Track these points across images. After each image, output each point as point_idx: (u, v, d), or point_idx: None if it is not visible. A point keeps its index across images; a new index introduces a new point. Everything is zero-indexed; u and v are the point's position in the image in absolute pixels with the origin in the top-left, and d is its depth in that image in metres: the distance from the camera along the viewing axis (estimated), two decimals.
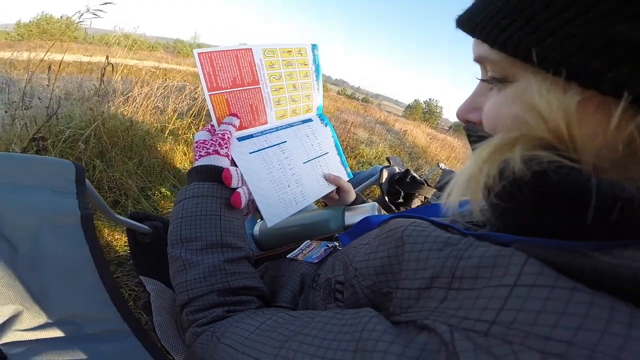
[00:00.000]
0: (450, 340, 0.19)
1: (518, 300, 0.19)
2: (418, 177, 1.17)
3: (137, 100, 1.96)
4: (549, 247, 0.20)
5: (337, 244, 0.55)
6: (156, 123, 1.99)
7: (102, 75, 1.66)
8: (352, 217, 0.60)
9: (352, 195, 0.68)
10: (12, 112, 1.39)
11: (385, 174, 1.15)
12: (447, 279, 0.23)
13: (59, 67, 1.55)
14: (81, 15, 1.42)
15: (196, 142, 0.52)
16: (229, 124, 0.54)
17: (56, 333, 0.34)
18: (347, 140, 4.03)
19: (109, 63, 1.67)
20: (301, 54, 0.70)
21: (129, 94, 2.05)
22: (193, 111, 2.24)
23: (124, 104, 1.97)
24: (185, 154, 1.95)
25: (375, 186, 1.32)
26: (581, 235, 0.20)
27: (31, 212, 0.37)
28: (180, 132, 2.10)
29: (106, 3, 1.42)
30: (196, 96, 2.53)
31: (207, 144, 0.51)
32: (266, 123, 0.64)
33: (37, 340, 0.33)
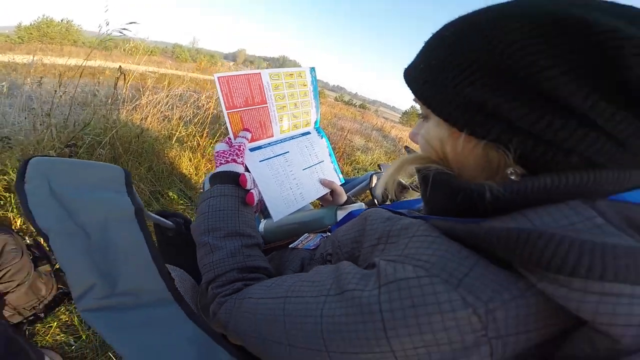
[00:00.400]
0: (378, 263, 0.32)
1: (411, 243, 0.32)
2: (404, 182, 1.29)
3: (147, 109, 2.08)
4: (445, 220, 0.33)
5: (329, 234, 0.68)
6: (164, 130, 2.12)
7: (116, 84, 1.79)
8: (343, 214, 0.73)
9: (343, 197, 0.81)
10: (32, 118, 1.50)
11: (374, 180, 1.28)
12: (386, 238, 0.36)
13: (81, 75, 1.67)
14: (103, 30, 1.54)
15: (216, 152, 0.64)
16: (243, 137, 0.67)
17: (120, 301, 0.44)
18: (343, 147, 4.14)
19: (121, 73, 1.79)
20: (301, 77, 0.82)
21: (137, 102, 2.17)
22: (198, 119, 2.37)
23: (132, 112, 2.09)
24: (190, 160, 2.07)
25: (368, 191, 1.44)
26: (477, 214, 0.32)
27: (98, 207, 0.49)
28: (185, 139, 2.22)
29: (131, 23, 1.55)
30: (200, 105, 2.66)
31: (226, 154, 0.63)
32: (272, 136, 0.76)
33: (107, 307, 0.43)
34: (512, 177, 0.30)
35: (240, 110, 0.69)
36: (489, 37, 0.29)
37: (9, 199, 1.29)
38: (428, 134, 0.38)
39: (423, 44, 0.37)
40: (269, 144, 0.75)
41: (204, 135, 2.28)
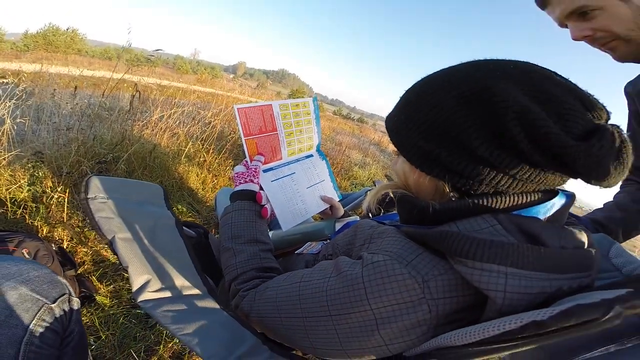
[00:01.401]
0: (363, 255, 0.45)
1: (384, 241, 0.46)
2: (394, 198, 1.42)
3: (157, 126, 2.22)
4: (409, 227, 0.46)
5: (329, 241, 0.80)
6: (173, 147, 2.25)
7: (131, 102, 1.92)
8: (340, 226, 0.85)
9: (341, 211, 0.94)
10: (55, 133, 1.63)
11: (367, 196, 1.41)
12: (369, 239, 0.50)
13: (103, 93, 1.80)
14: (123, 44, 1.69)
15: (236, 173, 0.78)
16: (258, 161, 0.80)
17: (168, 294, 0.55)
18: (341, 163, 4.27)
19: (137, 90, 1.93)
20: (305, 106, 0.96)
21: (148, 119, 2.32)
22: (206, 136, 2.51)
23: (144, 128, 2.22)
24: (197, 175, 2.19)
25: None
26: (429, 223, 0.45)
27: (147, 218, 0.61)
28: (193, 155, 2.36)
29: (157, 50, 1.70)
30: (207, 122, 2.81)
31: (244, 175, 0.76)
32: (281, 159, 0.89)
33: (157, 299, 0.54)
34: (453, 199, 0.44)
35: (255, 137, 0.82)
36: (434, 103, 0.44)
37: (35, 208, 1.41)
38: (398, 167, 0.53)
39: (399, 99, 0.52)
40: (278, 166, 0.88)
41: (210, 151, 2.42)
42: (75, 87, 2.45)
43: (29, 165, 1.42)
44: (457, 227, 0.41)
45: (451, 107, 0.41)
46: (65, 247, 1.32)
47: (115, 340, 1.16)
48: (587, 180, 0.38)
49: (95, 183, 0.62)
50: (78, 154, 1.59)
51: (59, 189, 1.43)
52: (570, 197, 0.44)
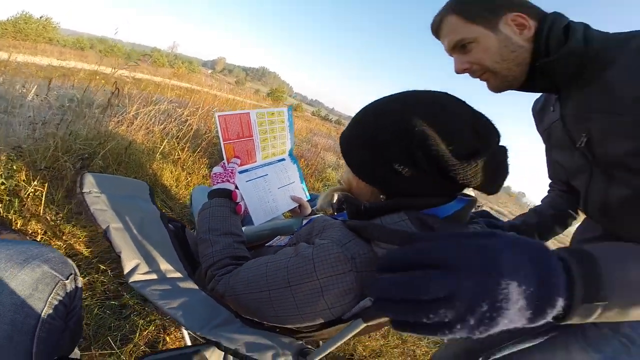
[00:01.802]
0: (315, 240, 0.59)
1: (332, 230, 0.58)
2: None
3: (135, 123, 2.24)
4: (351, 221, 0.59)
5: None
6: (148, 143, 2.28)
7: (109, 99, 1.94)
8: (306, 222, 0.97)
9: (309, 210, 1.06)
10: (30, 127, 1.63)
11: (335, 196, 1.55)
12: (322, 230, 0.62)
13: (85, 89, 1.81)
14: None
15: (214, 173, 0.88)
16: (234, 163, 0.90)
17: (154, 276, 0.63)
18: (315, 164, 4.40)
19: (116, 87, 1.95)
20: (280, 115, 1.07)
21: (124, 115, 2.33)
22: (182, 134, 2.55)
23: (119, 124, 2.24)
24: (171, 173, 2.24)
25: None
26: (367, 217, 0.59)
27: (136, 211, 0.70)
28: (168, 153, 2.39)
29: (145, 54, 1.74)
30: (183, 120, 2.85)
31: (222, 175, 0.86)
32: (256, 162, 1.00)
33: (146, 280, 0.63)
34: (382, 200, 0.57)
35: (233, 142, 0.92)
36: (373, 127, 0.57)
37: (8, 202, 1.42)
38: (345, 175, 0.67)
39: (352, 117, 0.64)
40: (253, 168, 0.98)
41: (185, 149, 2.47)
42: (50, 81, 2.41)
43: (5, 159, 1.43)
44: (381, 221, 0.55)
45: (381, 133, 0.56)
46: (39, 240, 1.35)
47: (90, 330, 1.21)
48: (474, 188, 0.53)
49: (89, 179, 0.70)
50: (56, 149, 1.61)
51: (34, 183, 1.46)
52: (469, 202, 0.59)
